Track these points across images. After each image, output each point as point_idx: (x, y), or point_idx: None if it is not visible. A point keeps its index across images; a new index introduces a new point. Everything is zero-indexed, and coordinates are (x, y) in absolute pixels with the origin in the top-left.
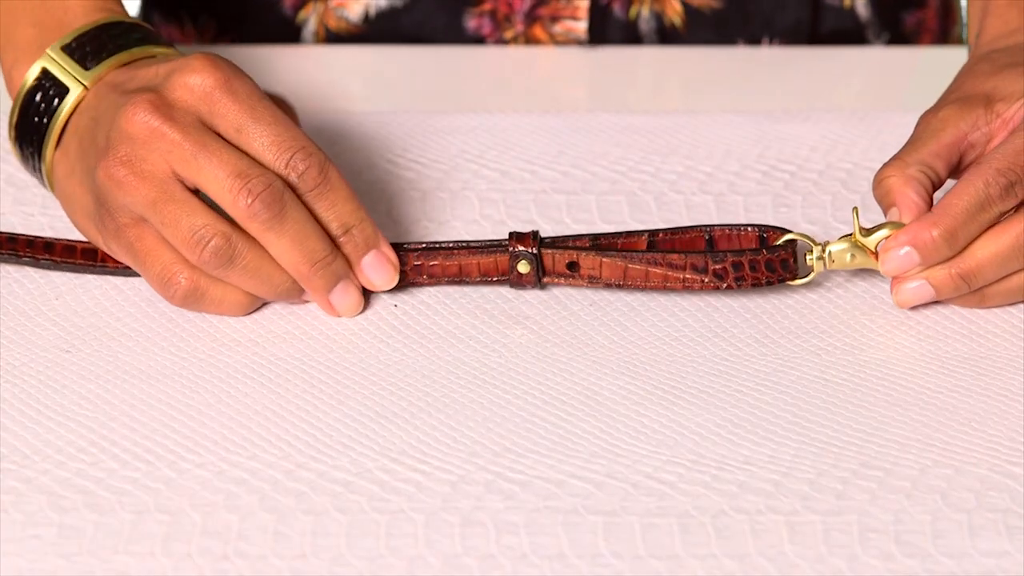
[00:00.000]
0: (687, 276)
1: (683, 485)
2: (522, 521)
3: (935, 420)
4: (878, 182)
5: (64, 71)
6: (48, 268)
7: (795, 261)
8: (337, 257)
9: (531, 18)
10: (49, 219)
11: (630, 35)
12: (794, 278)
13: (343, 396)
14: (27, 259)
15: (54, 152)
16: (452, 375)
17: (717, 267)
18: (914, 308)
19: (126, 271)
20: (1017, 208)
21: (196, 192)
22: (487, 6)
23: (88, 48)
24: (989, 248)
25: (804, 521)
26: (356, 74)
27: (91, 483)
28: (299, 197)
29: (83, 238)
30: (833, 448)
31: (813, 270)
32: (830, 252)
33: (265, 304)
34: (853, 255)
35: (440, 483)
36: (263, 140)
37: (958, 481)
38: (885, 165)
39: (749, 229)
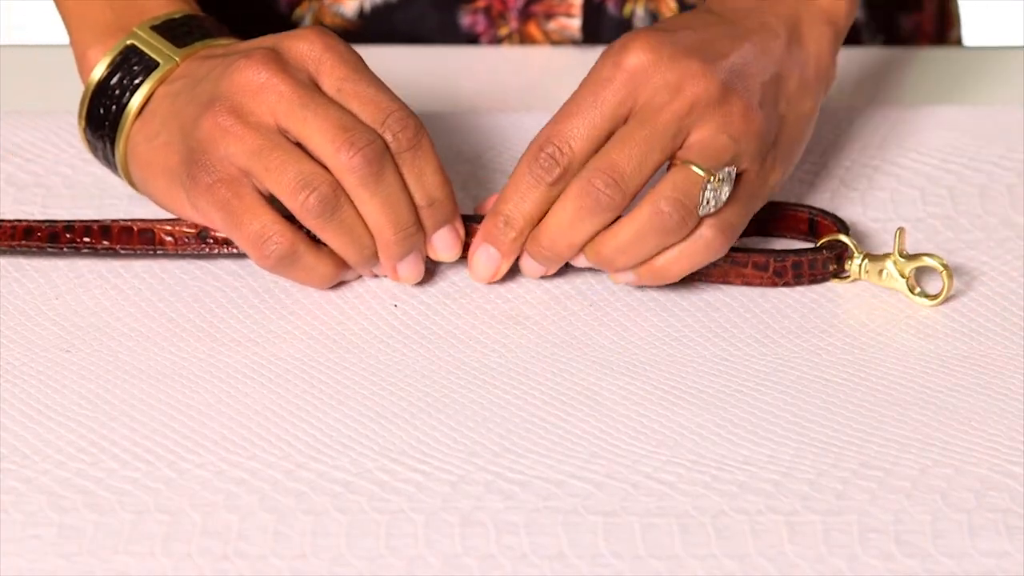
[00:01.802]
0: (748, 272)
1: (683, 485)
2: (522, 521)
3: (935, 420)
4: None
5: (154, 47)
6: (106, 256)
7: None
8: (419, 229)
9: (525, 15)
10: (49, 219)
11: (624, 32)
12: (841, 276)
13: (343, 396)
14: (87, 250)
15: (134, 121)
16: (452, 375)
17: (778, 265)
18: (914, 308)
19: (182, 255)
20: (577, 173)
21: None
22: (481, 3)
23: (178, 30)
24: (554, 219)
25: (804, 521)
26: None
27: (91, 483)
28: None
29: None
30: (833, 448)
31: (850, 275)
32: (865, 264)
33: (265, 303)
34: (887, 274)
35: (440, 483)
36: (362, 98)
37: (958, 481)
38: None
39: (800, 209)
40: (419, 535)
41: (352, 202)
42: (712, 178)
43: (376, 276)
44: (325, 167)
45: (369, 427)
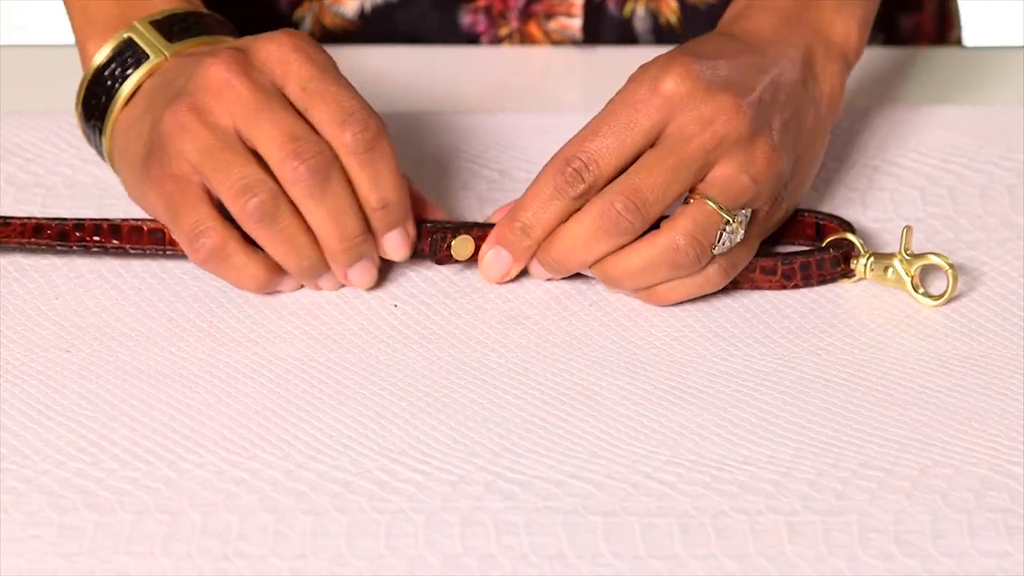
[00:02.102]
0: (756, 277)
1: (683, 485)
2: (522, 521)
3: (935, 420)
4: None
5: (148, 42)
6: (115, 255)
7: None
8: (368, 239)
9: (526, 15)
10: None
11: (625, 32)
12: (849, 275)
13: (343, 396)
14: (96, 249)
15: (120, 110)
16: (452, 375)
17: (786, 268)
18: (914, 308)
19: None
20: (600, 191)
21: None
22: (482, 2)
23: (176, 27)
24: (570, 233)
25: (804, 521)
26: (353, 75)
27: (91, 483)
28: (348, 158)
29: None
30: (833, 448)
31: (855, 274)
32: (871, 263)
33: (265, 303)
34: (892, 272)
35: (440, 483)
36: (326, 97)
37: (958, 481)
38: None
39: (806, 215)
40: (419, 535)
41: (295, 211)
42: (732, 219)
43: (320, 289)
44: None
45: (369, 427)
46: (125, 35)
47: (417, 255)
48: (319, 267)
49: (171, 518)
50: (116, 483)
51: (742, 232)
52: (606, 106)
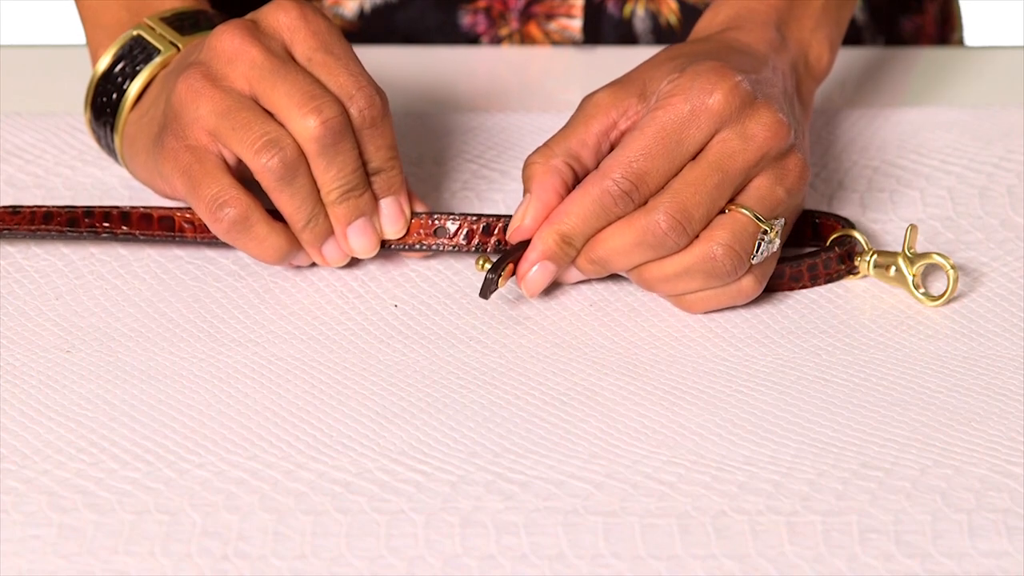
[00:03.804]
0: None
1: (683, 485)
2: (522, 521)
3: (935, 420)
4: (525, 167)
5: (158, 36)
6: (124, 241)
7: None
8: (368, 197)
9: (526, 15)
10: None
11: (625, 33)
12: (854, 272)
13: (343, 396)
14: (106, 235)
15: (132, 106)
16: (452, 375)
17: (794, 270)
18: (914, 308)
19: (200, 241)
20: (645, 205)
21: None
22: (482, 3)
23: (186, 23)
24: (612, 241)
25: (804, 521)
26: None
27: (91, 483)
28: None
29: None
30: (833, 448)
31: (860, 271)
32: (875, 260)
33: (265, 303)
34: (895, 271)
35: (440, 483)
36: (332, 70)
37: (958, 481)
38: (535, 151)
39: (804, 214)
40: (419, 535)
41: (310, 172)
42: (769, 229)
43: (327, 263)
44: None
45: (369, 427)
46: (134, 32)
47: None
48: (323, 234)
49: (171, 518)
50: (116, 483)
51: (779, 242)
52: (652, 119)
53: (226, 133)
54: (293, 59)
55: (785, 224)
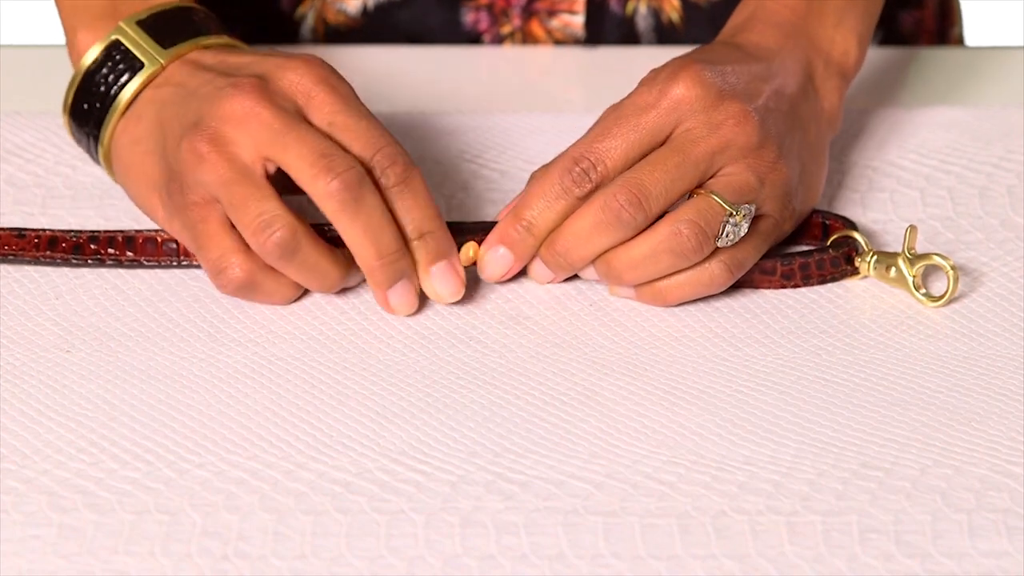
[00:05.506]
0: (756, 277)
1: (683, 485)
2: (522, 521)
3: (935, 420)
4: (532, 178)
5: (139, 46)
6: (130, 267)
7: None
8: (405, 255)
9: (528, 13)
10: (49, 219)
11: (627, 31)
12: (854, 274)
13: (343, 396)
14: (111, 262)
15: (119, 120)
16: (452, 375)
17: (785, 268)
18: (914, 308)
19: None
20: (599, 186)
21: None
22: (484, 0)
23: (165, 27)
24: (572, 226)
25: (804, 521)
26: (354, 75)
27: (91, 483)
28: (380, 192)
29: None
30: (833, 448)
31: (859, 272)
32: (875, 261)
33: (265, 304)
34: (895, 271)
35: (440, 483)
36: (353, 132)
37: (958, 481)
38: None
39: (813, 214)
40: (419, 535)
41: (315, 241)
42: (735, 212)
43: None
44: (290, 207)
45: (369, 427)
46: (112, 36)
47: None
48: (343, 283)
49: (171, 518)
50: (116, 483)
51: (746, 226)
52: (615, 108)
53: (227, 207)
54: (305, 119)
55: (766, 215)
